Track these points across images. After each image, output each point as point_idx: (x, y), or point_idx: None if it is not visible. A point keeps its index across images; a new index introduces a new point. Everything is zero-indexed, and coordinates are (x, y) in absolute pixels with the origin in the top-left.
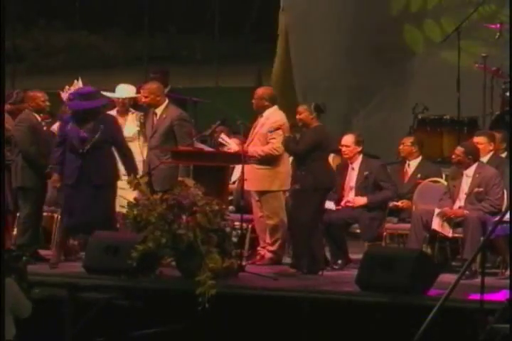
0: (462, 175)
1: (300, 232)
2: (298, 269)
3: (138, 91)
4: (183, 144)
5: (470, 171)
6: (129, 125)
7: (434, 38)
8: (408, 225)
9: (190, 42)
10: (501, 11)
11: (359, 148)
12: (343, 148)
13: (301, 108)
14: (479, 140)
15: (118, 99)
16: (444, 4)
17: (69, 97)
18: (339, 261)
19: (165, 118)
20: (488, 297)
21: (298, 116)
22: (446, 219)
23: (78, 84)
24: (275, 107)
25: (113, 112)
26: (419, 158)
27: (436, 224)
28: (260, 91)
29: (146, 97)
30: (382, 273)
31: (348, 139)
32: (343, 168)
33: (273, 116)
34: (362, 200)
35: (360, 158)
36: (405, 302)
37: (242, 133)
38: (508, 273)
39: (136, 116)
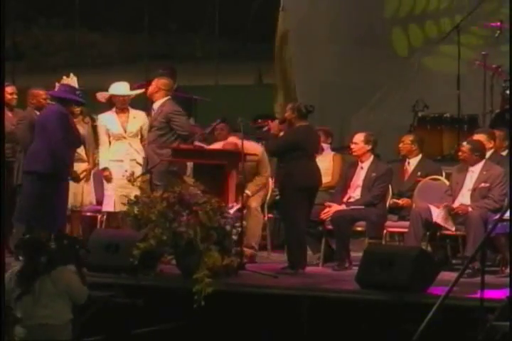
0: (467, 171)
1: (291, 231)
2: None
3: (142, 87)
4: (183, 135)
5: (476, 168)
6: (132, 122)
7: (435, 35)
8: (408, 223)
9: (190, 40)
10: (500, 10)
11: (368, 147)
12: (352, 145)
13: (287, 106)
14: (478, 138)
15: (123, 96)
16: (429, 10)
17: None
18: (346, 264)
19: (160, 112)
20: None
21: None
22: (452, 214)
23: (72, 80)
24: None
25: (111, 112)
26: (419, 156)
27: (440, 217)
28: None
29: (152, 86)
30: (382, 271)
31: (357, 137)
32: (353, 166)
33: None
34: (338, 207)
35: (371, 158)
36: (405, 300)
37: (243, 131)
38: (508, 271)
39: (137, 113)
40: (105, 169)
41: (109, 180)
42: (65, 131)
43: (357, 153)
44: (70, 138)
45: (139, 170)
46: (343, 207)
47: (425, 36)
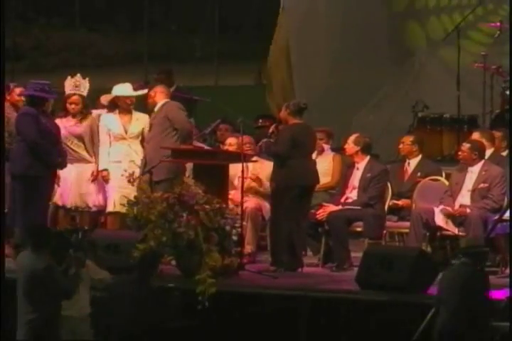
0: (467, 171)
1: (275, 229)
2: (277, 266)
3: (140, 88)
4: (182, 131)
5: (475, 168)
6: (134, 123)
7: (436, 36)
8: (408, 223)
9: (189, 40)
10: (498, 11)
11: (357, 148)
12: (345, 146)
13: (283, 105)
14: (474, 137)
15: (128, 97)
16: (444, 2)
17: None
18: (345, 265)
19: (160, 110)
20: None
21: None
22: (450, 217)
23: (84, 81)
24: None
25: (114, 113)
26: (419, 157)
27: (440, 220)
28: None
29: (151, 92)
30: (382, 272)
31: (349, 138)
32: (350, 167)
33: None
34: (333, 208)
35: (366, 159)
36: (405, 300)
37: (242, 131)
38: (507, 271)
39: (140, 116)
40: (104, 170)
41: (107, 181)
42: (34, 131)
43: (348, 153)
44: (46, 136)
45: (137, 172)
46: (339, 207)
47: (426, 36)
